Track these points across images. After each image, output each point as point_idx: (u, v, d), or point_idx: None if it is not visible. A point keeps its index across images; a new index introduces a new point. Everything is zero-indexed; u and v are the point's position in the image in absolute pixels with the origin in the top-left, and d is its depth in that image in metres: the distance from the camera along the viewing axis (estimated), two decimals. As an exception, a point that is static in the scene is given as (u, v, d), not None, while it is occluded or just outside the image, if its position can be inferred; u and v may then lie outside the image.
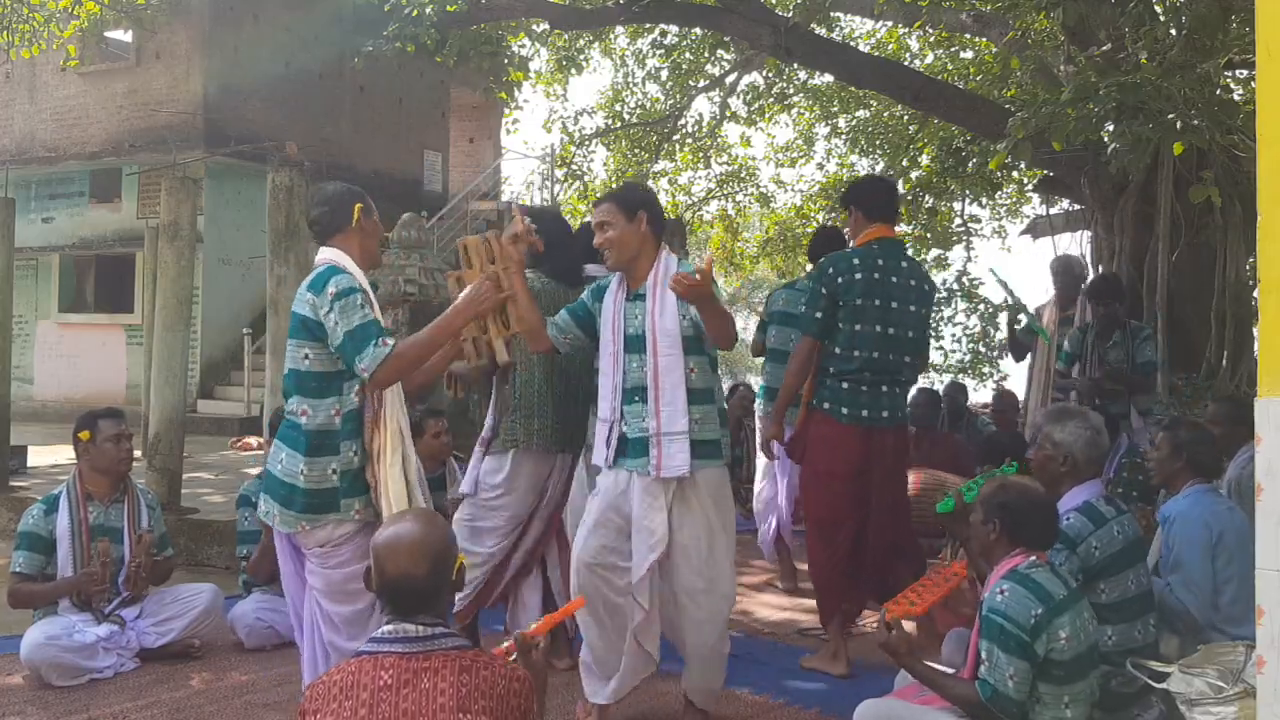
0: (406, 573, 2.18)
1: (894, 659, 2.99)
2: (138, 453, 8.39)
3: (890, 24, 12.78)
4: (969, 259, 14.92)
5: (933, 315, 4.61)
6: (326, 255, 3.13)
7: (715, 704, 3.70)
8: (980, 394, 14.62)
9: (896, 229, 4.51)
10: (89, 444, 4.37)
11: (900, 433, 4.37)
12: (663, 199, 16.46)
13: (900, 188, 13.69)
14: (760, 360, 6.24)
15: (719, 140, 16.21)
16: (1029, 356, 6.89)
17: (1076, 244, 9.76)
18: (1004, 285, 6.34)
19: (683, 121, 15.53)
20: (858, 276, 4.19)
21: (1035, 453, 3.52)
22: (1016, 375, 14.66)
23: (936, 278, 15.26)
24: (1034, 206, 13.75)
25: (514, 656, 2.36)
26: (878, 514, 4.29)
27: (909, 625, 3.69)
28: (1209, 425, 4.37)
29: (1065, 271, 6.73)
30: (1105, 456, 3.58)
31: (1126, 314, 6.07)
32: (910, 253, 5.15)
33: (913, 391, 7.32)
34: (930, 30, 11.02)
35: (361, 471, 3.03)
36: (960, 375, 15.25)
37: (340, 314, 2.95)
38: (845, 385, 4.24)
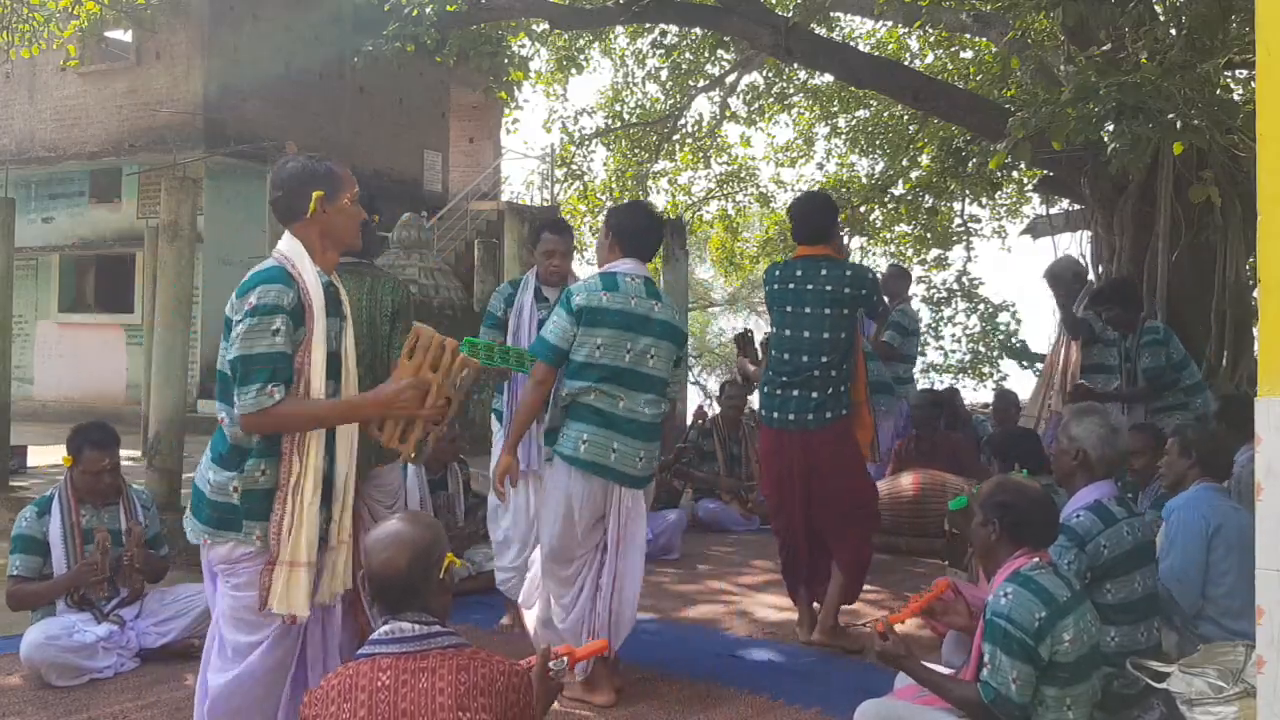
0: (388, 562, 2.22)
1: (894, 665, 3.00)
2: (137, 453, 8.42)
3: (890, 24, 12.79)
4: (969, 259, 14.93)
5: (857, 310, 4.58)
6: (282, 249, 2.79)
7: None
8: (980, 394, 14.64)
9: (832, 241, 4.69)
10: (71, 467, 4.33)
11: (810, 437, 4.44)
12: (663, 199, 16.51)
13: (900, 187, 13.71)
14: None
15: (719, 140, 16.21)
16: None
17: (1076, 244, 9.76)
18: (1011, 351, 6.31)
19: (683, 121, 15.53)
20: (775, 287, 4.61)
21: (1054, 447, 3.57)
22: (1016, 375, 14.69)
23: (936, 278, 15.29)
24: (1034, 206, 13.75)
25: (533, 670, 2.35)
26: (799, 510, 4.53)
27: (903, 628, 3.69)
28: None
29: (1056, 279, 6.55)
30: (1122, 457, 3.60)
31: (1131, 318, 5.79)
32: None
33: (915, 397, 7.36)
34: (930, 30, 11.03)
35: (267, 495, 2.68)
36: (960, 375, 15.26)
37: (246, 332, 2.61)
38: (765, 389, 4.61)
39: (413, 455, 3.01)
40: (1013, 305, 15.16)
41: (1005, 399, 8.45)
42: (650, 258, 4.00)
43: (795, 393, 4.45)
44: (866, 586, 5.50)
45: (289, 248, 2.78)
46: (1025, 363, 6.48)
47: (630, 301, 3.78)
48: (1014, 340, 6.65)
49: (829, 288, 4.45)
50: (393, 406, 2.76)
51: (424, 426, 2.86)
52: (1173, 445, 3.94)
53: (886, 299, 7.17)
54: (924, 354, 13.03)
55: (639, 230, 3.93)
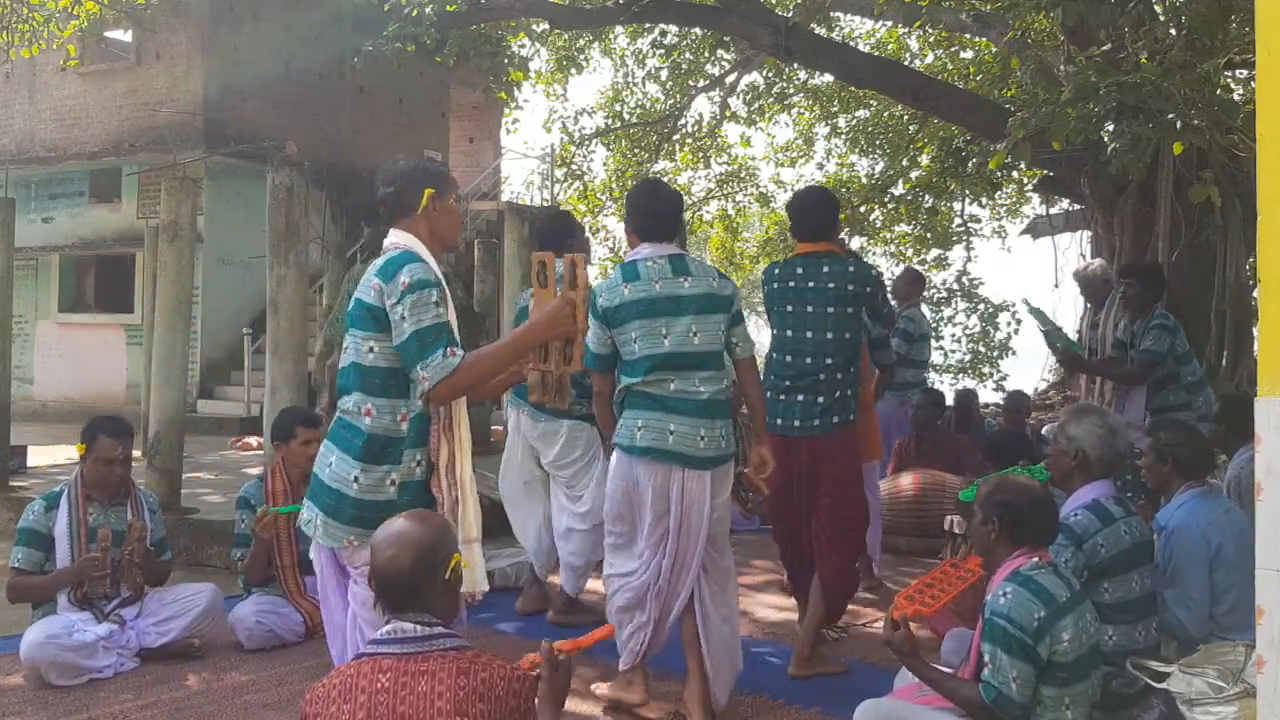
0: (391, 560, 2.21)
1: (898, 657, 3.00)
2: (137, 453, 8.42)
3: (890, 24, 12.79)
4: (969, 259, 14.94)
5: (863, 307, 4.40)
6: (396, 239, 2.82)
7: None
8: (979, 394, 14.61)
9: (833, 238, 4.55)
10: (85, 456, 4.36)
11: (817, 443, 4.24)
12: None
13: (900, 187, 13.72)
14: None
15: (719, 140, 16.22)
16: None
17: (1076, 244, 9.76)
18: (1039, 315, 6.22)
19: (683, 121, 15.54)
20: (775, 286, 4.38)
21: (1052, 448, 3.55)
22: (1017, 375, 14.69)
23: (936, 278, 15.30)
24: (1034, 206, 13.78)
25: (538, 670, 2.31)
26: (803, 517, 4.34)
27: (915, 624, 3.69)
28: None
29: (1088, 282, 6.48)
30: (1121, 456, 3.55)
31: (1146, 299, 5.60)
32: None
33: (917, 396, 7.31)
34: (930, 30, 11.04)
35: (423, 485, 2.72)
36: (960, 375, 15.26)
37: (411, 309, 2.65)
38: (769, 394, 4.31)
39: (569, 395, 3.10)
40: (1013, 305, 15.19)
41: (1016, 399, 8.46)
42: (669, 238, 3.78)
43: (800, 397, 4.23)
44: (864, 587, 5.51)
45: (404, 239, 2.82)
46: (1043, 326, 6.37)
47: (654, 286, 3.62)
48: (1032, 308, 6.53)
49: (832, 285, 4.23)
50: (555, 326, 2.82)
51: (580, 345, 2.96)
52: (1149, 450, 3.87)
53: (896, 301, 7.13)
54: (925, 355, 13.01)
55: (648, 213, 3.79)
